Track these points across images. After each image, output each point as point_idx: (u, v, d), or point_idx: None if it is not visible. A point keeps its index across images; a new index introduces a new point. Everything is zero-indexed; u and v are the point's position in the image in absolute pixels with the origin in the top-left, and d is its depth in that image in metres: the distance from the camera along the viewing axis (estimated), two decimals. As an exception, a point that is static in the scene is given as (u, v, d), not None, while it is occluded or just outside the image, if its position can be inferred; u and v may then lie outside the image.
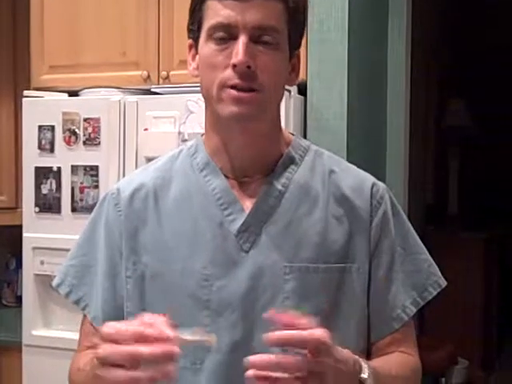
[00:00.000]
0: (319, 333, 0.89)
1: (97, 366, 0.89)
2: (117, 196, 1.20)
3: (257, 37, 1.05)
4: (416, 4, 2.79)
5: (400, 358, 1.15)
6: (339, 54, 2.19)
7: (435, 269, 1.21)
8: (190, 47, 1.14)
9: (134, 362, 0.85)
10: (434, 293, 1.19)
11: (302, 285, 1.10)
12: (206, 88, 1.09)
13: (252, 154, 1.13)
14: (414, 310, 1.17)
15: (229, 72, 1.05)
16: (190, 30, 1.13)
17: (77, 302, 1.21)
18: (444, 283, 1.20)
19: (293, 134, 1.23)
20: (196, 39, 1.11)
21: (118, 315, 1.17)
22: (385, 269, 1.15)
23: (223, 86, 1.06)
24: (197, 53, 1.12)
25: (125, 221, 1.17)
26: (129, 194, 1.18)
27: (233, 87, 1.05)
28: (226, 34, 1.05)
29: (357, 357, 1.00)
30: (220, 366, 1.09)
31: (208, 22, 1.07)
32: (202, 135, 1.21)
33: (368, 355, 1.15)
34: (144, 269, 1.15)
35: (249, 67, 1.04)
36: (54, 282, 1.24)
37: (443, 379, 3.79)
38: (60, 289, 1.23)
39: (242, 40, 1.04)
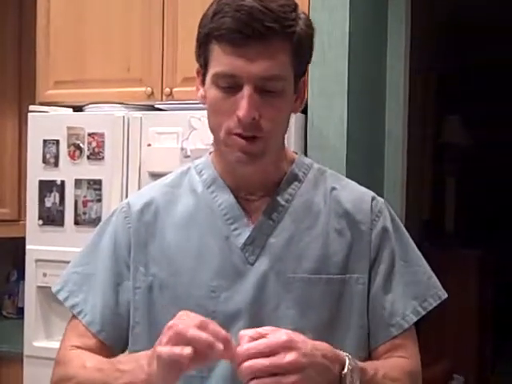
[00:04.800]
0: (288, 355, 0.94)
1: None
2: (127, 210, 1.24)
3: (261, 86, 1.06)
4: (414, 20, 2.84)
5: (393, 361, 1.18)
6: (339, 73, 2.23)
7: (435, 281, 1.23)
8: (198, 73, 1.16)
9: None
10: (434, 304, 1.21)
11: (305, 295, 1.14)
12: (213, 130, 1.13)
13: (258, 178, 1.18)
14: (415, 318, 1.19)
15: (234, 120, 1.07)
16: (197, 57, 1.14)
17: (72, 307, 1.24)
18: (444, 295, 1.23)
19: (296, 153, 1.28)
20: (203, 73, 1.13)
21: (117, 322, 1.21)
22: (384, 278, 1.19)
23: (229, 133, 1.09)
24: (203, 80, 1.13)
25: (134, 233, 1.22)
26: (139, 208, 1.23)
27: (238, 134, 1.08)
28: (231, 83, 1.07)
29: (341, 352, 1.03)
30: (227, 376, 1.12)
31: (213, 68, 1.09)
32: (210, 153, 1.25)
33: None
34: (153, 280, 1.19)
35: (254, 118, 1.06)
36: (54, 288, 1.27)
37: (439, 395, 3.80)
38: (59, 294, 1.26)
39: (247, 92, 1.06)
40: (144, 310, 1.19)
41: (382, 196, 1.28)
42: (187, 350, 0.92)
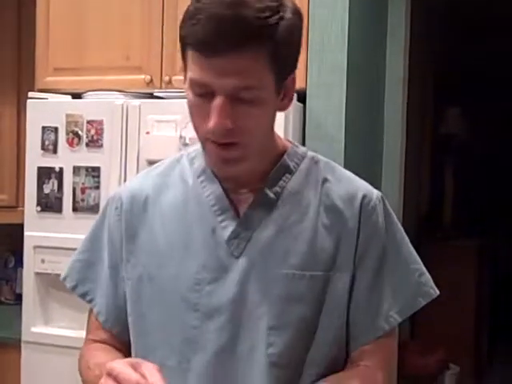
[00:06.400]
0: None
1: None
2: (117, 200, 1.24)
3: (235, 95, 1.03)
4: (415, 11, 2.84)
5: (355, 372, 1.15)
6: (338, 63, 2.23)
7: (427, 279, 1.20)
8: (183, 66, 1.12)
9: None
10: (424, 303, 1.19)
11: (288, 291, 1.12)
12: (194, 128, 1.10)
13: (243, 175, 1.15)
14: (399, 319, 1.17)
15: (208, 127, 1.04)
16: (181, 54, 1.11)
17: (83, 296, 1.26)
18: (436, 293, 1.20)
19: (291, 142, 1.25)
20: (184, 70, 1.10)
21: (120, 314, 1.22)
22: (371, 277, 1.16)
23: (205, 139, 1.07)
24: (185, 78, 1.10)
25: (124, 224, 1.22)
26: (129, 198, 1.23)
27: (213, 142, 1.06)
28: (204, 91, 1.04)
29: None
30: (207, 367, 1.13)
31: (188, 73, 1.06)
32: None
33: (344, 363, 1.17)
34: (142, 271, 1.19)
35: (227, 127, 1.03)
36: (62, 275, 1.29)
37: (434, 384, 3.83)
38: (66, 282, 1.28)
39: (217, 102, 1.03)
40: (133, 301, 1.20)
41: (379, 187, 1.26)
42: None
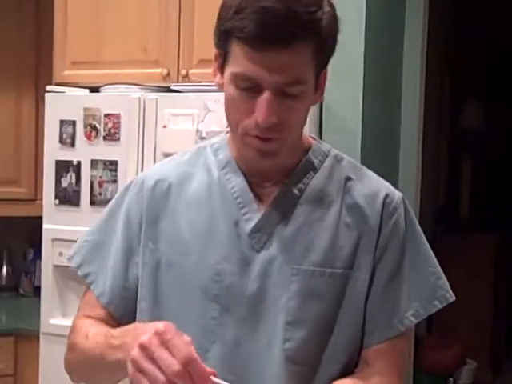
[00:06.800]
0: None
1: (122, 358, 0.96)
2: (141, 184, 1.23)
3: (281, 90, 1.03)
4: (432, 5, 2.81)
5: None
6: (355, 55, 2.22)
7: (444, 283, 1.20)
8: (216, 58, 1.12)
9: None
10: (440, 306, 1.18)
11: (307, 287, 1.12)
12: (230, 124, 1.11)
13: (272, 168, 1.15)
14: (415, 321, 1.16)
15: (252, 122, 1.05)
16: (216, 46, 1.10)
17: (85, 276, 1.24)
18: (452, 298, 1.19)
19: (314, 138, 1.25)
20: (222, 63, 1.08)
21: (126, 295, 1.21)
22: (388, 277, 1.15)
23: (246, 133, 1.07)
24: (221, 70, 1.09)
25: (146, 208, 1.21)
26: (152, 183, 1.22)
27: (255, 136, 1.06)
28: (250, 85, 1.03)
29: None
30: (224, 359, 1.13)
31: (232, 66, 1.05)
32: (227, 133, 1.23)
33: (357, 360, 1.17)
34: (161, 257, 1.19)
35: (272, 123, 1.04)
36: (68, 255, 1.28)
37: (451, 379, 3.82)
38: (72, 261, 1.26)
39: (266, 97, 1.03)
40: (150, 286, 1.19)
41: (396, 179, 1.26)
42: None
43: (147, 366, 0.91)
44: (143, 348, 0.92)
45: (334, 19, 1.07)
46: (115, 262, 1.22)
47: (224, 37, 1.05)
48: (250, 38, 1.00)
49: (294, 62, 1.02)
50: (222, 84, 1.11)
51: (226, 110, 1.10)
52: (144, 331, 0.94)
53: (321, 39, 1.04)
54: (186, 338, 0.93)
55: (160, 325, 0.94)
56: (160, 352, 0.91)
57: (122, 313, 1.22)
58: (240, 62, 1.03)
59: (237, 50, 1.03)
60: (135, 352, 0.92)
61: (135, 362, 0.92)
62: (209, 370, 0.93)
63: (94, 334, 1.13)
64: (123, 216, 1.24)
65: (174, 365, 0.89)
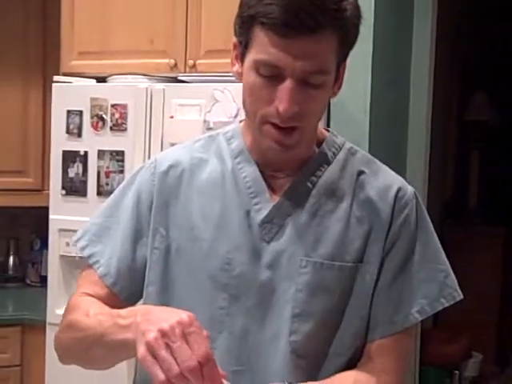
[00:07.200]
0: None
1: (136, 339, 0.94)
2: (153, 168, 1.22)
3: (304, 78, 1.02)
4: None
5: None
6: (364, 48, 2.21)
7: (452, 281, 1.19)
8: (235, 47, 1.11)
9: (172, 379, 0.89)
10: (446, 304, 1.17)
11: (316, 280, 1.12)
12: (248, 113, 1.10)
13: (286, 158, 1.14)
14: (420, 318, 1.15)
15: (272, 109, 1.04)
16: (237, 33, 1.09)
17: (89, 257, 1.22)
18: (459, 297, 1.18)
19: (328, 131, 1.24)
20: (242, 51, 1.08)
21: (133, 276, 1.20)
22: (396, 272, 1.15)
23: (265, 121, 1.06)
24: (241, 58, 1.09)
25: (157, 193, 1.20)
26: (165, 168, 1.21)
27: (274, 124, 1.05)
28: (273, 73, 1.02)
29: None
30: (231, 348, 1.13)
31: (255, 53, 1.04)
32: (241, 121, 1.23)
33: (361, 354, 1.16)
34: (171, 242, 1.18)
35: (294, 111, 1.03)
36: (75, 237, 1.26)
37: (457, 372, 3.81)
38: (78, 243, 1.25)
39: (289, 85, 1.02)
40: (159, 271, 1.18)
41: (404, 171, 1.25)
42: (161, 377, 0.89)
43: (164, 353, 0.89)
44: (164, 334, 0.90)
45: (358, 10, 1.06)
46: (123, 241, 1.21)
47: (247, 23, 1.04)
48: (276, 23, 0.99)
49: (319, 50, 1.01)
50: (240, 73, 1.10)
51: (244, 99, 1.09)
52: (164, 317, 0.93)
53: (345, 29, 1.04)
54: (205, 333, 0.92)
55: (184, 315, 0.93)
56: (181, 343, 0.90)
57: (126, 293, 1.20)
58: (263, 48, 1.02)
59: (261, 36, 1.02)
60: (152, 336, 0.91)
61: (151, 347, 0.90)
62: (222, 372, 0.92)
63: (97, 313, 1.11)
64: (133, 198, 1.22)
65: (191, 360, 0.89)
